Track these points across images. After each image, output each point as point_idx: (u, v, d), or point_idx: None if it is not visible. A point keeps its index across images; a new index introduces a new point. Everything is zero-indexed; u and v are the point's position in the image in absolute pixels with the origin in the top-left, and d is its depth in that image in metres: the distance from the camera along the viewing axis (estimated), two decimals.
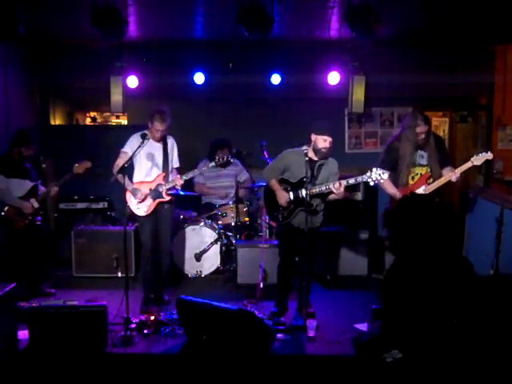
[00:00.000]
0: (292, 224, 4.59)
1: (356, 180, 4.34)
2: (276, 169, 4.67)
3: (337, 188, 4.33)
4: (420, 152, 4.89)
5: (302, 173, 4.49)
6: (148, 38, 6.30)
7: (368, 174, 4.28)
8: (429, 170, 4.89)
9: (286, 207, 4.57)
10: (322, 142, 4.42)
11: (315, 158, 4.50)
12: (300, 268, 4.63)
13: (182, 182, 4.94)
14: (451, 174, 4.72)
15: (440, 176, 4.81)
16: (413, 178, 4.92)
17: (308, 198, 4.41)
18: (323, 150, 4.42)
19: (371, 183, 4.30)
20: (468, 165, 4.66)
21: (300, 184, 4.52)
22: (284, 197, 4.53)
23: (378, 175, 4.25)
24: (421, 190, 4.85)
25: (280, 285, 4.79)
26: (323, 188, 4.41)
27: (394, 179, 4.95)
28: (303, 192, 4.46)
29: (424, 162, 4.91)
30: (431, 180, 4.85)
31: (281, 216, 4.62)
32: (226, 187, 6.49)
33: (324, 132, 4.43)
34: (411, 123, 4.83)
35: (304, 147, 4.56)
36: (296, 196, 4.53)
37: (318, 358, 3.97)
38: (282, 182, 4.62)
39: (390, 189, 4.93)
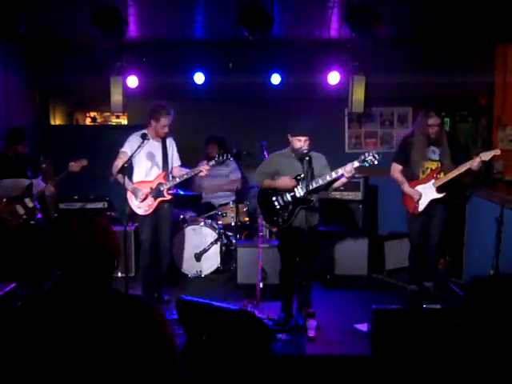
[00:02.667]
0: (293, 225, 4.53)
1: (358, 162, 4.36)
2: (267, 173, 4.63)
3: (349, 171, 4.33)
4: (432, 148, 4.97)
5: (293, 172, 4.48)
6: (148, 38, 6.30)
7: (362, 157, 4.35)
8: (439, 164, 4.95)
9: (284, 209, 4.53)
10: (297, 142, 4.40)
11: (298, 157, 4.44)
12: (300, 268, 4.59)
13: (208, 168, 4.92)
14: (460, 167, 4.76)
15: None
16: (423, 171, 5.00)
17: (307, 194, 4.37)
18: (299, 151, 4.37)
19: (366, 165, 4.36)
20: (477, 160, 4.68)
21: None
22: (287, 180, 4.47)
23: (371, 156, 4.32)
24: (430, 184, 4.92)
25: (284, 290, 4.68)
26: (333, 175, 4.38)
27: (406, 173, 5.06)
28: (301, 189, 4.43)
29: (436, 157, 4.98)
30: (441, 174, 4.91)
31: (281, 219, 4.55)
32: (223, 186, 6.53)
33: (297, 133, 4.41)
34: (423, 117, 4.92)
35: (288, 148, 4.56)
36: (293, 195, 4.51)
37: (318, 358, 3.97)
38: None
39: (399, 177, 5.06)
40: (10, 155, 5.06)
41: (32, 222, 5.15)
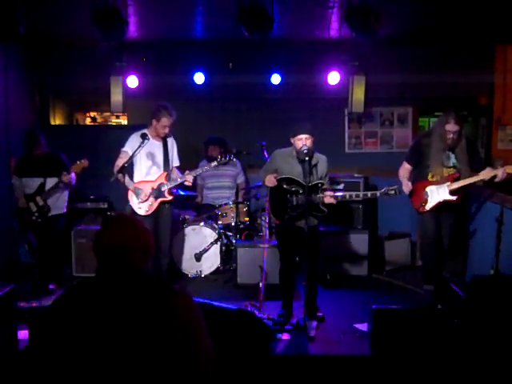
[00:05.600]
0: (296, 224, 4.46)
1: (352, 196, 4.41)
2: (269, 170, 4.59)
3: (329, 203, 4.35)
4: (448, 153, 4.85)
5: (291, 172, 4.43)
6: (148, 37, 6.30)
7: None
8: (454, 171, 4.84)
9: (294, 209, 4.45)
10: (298, 142, 4.34)
11: (301, 158, 4.36)
12: (305, 270, 4.45)
13: (192, 177, 4.93)
14: (482, 174, 4.71)
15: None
16: (433, 176, 4.89)
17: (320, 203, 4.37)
18: (300, 151, 4.29)
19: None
20: (501, 170, 4.62)
21: (315, 188, 4.40)
22: (271, 178, 4.47)
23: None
24: (445, 186, 4.80)
25: (284, 290, 4.66)
26: (318, 199, 4.39)
27: (416, 174, 4.96)
28: (318, 197, 4.38)
29: (450, 163, 4.86)
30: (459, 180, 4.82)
31: (287, 216, 4.48)
32: (227, 187, 6.53)
33: (297, 132, 4.35)
34: (442, 120, 4.81)
35: (292, 147, 4.50)
36: (309, 201, 4.36)
37: (318, 358, 3.97)
38: (292, 182, 4.47)
39: (403, 174, 4.98)
40: (29, 155, 5.31)
41: (39, 220, 5.32)
